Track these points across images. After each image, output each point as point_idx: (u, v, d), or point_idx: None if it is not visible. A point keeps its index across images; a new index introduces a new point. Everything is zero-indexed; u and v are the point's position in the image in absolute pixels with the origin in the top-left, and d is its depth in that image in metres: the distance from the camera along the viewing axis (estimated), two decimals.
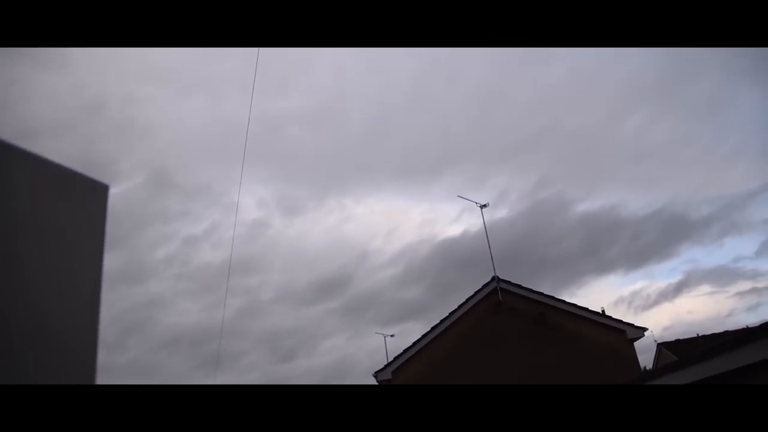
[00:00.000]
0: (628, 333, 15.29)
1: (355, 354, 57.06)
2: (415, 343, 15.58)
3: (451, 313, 15.74)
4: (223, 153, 46.92)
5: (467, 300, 15.87)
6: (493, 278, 15.86)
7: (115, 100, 43.12)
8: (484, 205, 17.00)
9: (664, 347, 38.18)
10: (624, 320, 15.51)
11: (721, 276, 62.14)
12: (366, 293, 57.28)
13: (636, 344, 15.50)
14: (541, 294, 15.79)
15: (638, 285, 74.73)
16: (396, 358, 15.56)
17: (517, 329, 15.29)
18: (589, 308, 15.76)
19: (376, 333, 40.80)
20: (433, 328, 15.66)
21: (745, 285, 62.62)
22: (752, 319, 67.01)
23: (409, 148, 56.82)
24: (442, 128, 56.79)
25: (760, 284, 60.48)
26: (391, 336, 28.29)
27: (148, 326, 49.70)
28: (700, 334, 37.61)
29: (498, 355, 14.80)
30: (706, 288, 68.64)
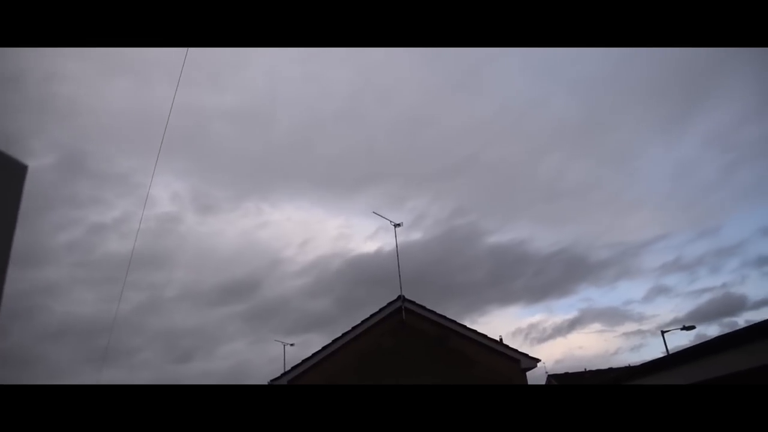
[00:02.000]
0: (522, 363, 15.79)
1: (253, 360, 55.89)
2: (314, 355, 15.41)
3: (353, 328, 15.71)
4: (144, 143, 45.06)
5: (371, 316, 15.89)
6: (399, 297, 15.98)
7: (36, 74, 40.57)
8: (399, 225, 17.18)
9: (553, 379, 39.78)
10: (519, 350, 16.01)
11: (611, 316, 65.79)
12: (273, 301, 56.37)
13: (528, 374, 16.02)
14: (444, 317, 16.05)
15: (537, 318, 77.67)
16: (293, 368, 15.33)
17: (417, 350, 15.44)
18: (488, 336, 16.17)
19: (276, 341, 40.12)
20: (334, 341, 15.56)
21: (631, 326, 66.45)
22: (635, 359, 71.10)
23: (333, 160, 56.82)
24: (369, 145, 57.24)
25: (645, 327, 64.58)
26: (291, 345, 27.96)
27: (37, 313, 46.62)
28: (587, 369, 39.50)
29: (396, 374, 14.88)
30: (597, 326, 72.34)
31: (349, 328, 15.73)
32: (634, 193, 63.49)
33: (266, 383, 15.17)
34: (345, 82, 55.11)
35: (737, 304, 55.71)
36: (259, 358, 56.54)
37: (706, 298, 63.88)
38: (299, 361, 15.48)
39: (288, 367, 15.88)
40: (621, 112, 58.57)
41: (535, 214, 63.16)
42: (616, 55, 55.85)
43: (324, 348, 15.48)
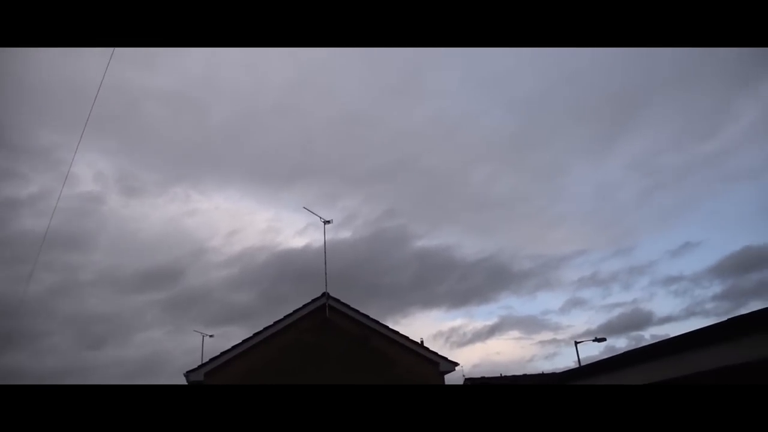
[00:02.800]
0: (441, 366, 16.01)
1: (170, 350, 54.12)
2: (234, 347, 15.07)
3: (276, 322, 15.47)
4: (70, 118, 42.75)
5: (294, 312, 15.70)
6: (323, 294, 15.88)
7: None
8: (328, 222, 17.07)
9: (470, 382, 40.63)
10: (439, 353, 16.23)
11: (529, 325, 67.93)
12: (195, 290, 54.66)
13: (446, 377, 16.27)
14: (367, 317, 16.06)
15: (458, 322, 79.23)
16: (211, 360, 14.94)
17: (338, 347, 15.38)
18: (410, 337, 16.30)
19: (195, 331, 38.93)
20: (255, 335, 15.27)
21: (547, 335, 68.81)
22: (548, 366, 73.87)
23: (267, 153, 55.86)
24: (304, 140, 56.61)
25: (559, 336, 67.16)
26: (211, 336, 27.30)
27: None
28: (503, 374, 40.52)
29: (315, 370, 14.77)
30: (515, 333, 74.45)
31: (272, 323, 15.49)
32: (559, 208, 65.83)
33: (182, 374, 14.74)
34: (285, 75, 54.40)
35: (644, 320, 58.75)
36: (176, 348, 54.88)
37: (617, 312, 67.02)
38: (218, 353, 15.11)
39: (206, 359, 15.47)
40: (552, 130, 60.56)
41: (463, 221, 64.41)
42: (553, 75, 57.75)
43: (244, 341, 15.16)
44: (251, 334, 15.32)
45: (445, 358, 16.13)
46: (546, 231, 66.18)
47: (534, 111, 59.60)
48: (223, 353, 14.99)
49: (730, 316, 4.06)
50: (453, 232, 67.77)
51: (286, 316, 15.61)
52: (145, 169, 55.60)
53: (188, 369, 14.72)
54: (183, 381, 14.74)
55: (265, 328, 15.38)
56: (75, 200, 47.50)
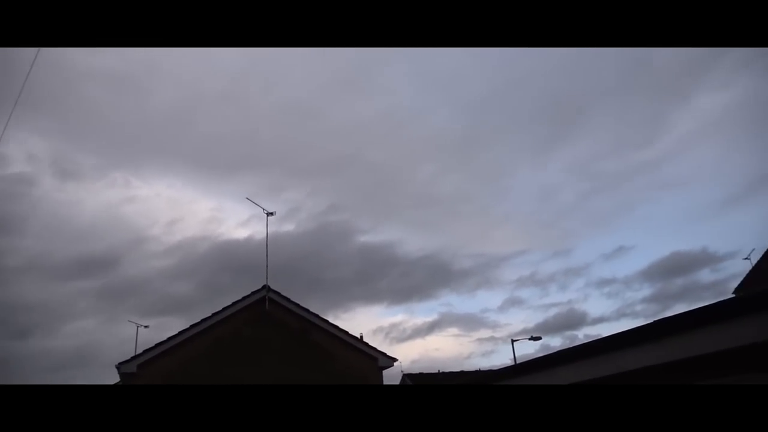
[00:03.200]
0: (380, 361, 16.12)
1: (103, 341, 52.38)
2: (169, 339, 14.75)
3: (214, 314, 15.22)
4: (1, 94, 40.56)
5: (233, 303, 15.49)
6: (264, 287, 15.71)
7: None
8: (271, 214, 16.90)
9: (408, 378, 41.04)
10: (378, 349, 16.33)
11: (468, 322, 69.25)
12: (131, 279, 52.88)
13: (385, 372, 16.39)
14: (308, 311, 16.00)
15: (398, 318, 79.95)
16: (145, 351, 14.56)
17: (277, 340, 15.26)
18: (349, 332, 16.34)
19: (130, 321, 37.71)
20: (192, 326, 14.98)
21: (485, 333, 70.32)
22: (485, 363, 75.44)
23: (211, 141, 54.52)
24: (250, 130, 55.64)
25: (497, 334, 68.78)
26: (146, 327, 26.53)
27: None
28: (440, 371, 41.16)
29: (253, 363, 14.60)
30: (454, 330, 75.74)
31: (210, 314, 15.22)
32: (502, 209, 67.26)
33: (114, 365, 14.30)
34: (232, 62, 53.29)
35: (579, 320, 60.87)
36: (109, 338, 53.10)
37: (553, 312, 69.27)
38: (153, 345, 14.74)
39: (140, 350, 15.07)
40: (497, 132, 61.77)
41: (407, 218, 64.88)
42: (500, 78, 58.82)
43: (181, 332, 14.86)
44: (188, 326, 15.02)
45: (384, 354, 16.24)
46: (488, 230, 67.52)
47: (480, 112, 60.63)
48: (158, 344, 14.65)
49: (656, 318, 4.26)
50: (396, 228, 68.29)
51: (224, 308, 15.38)
52: (82, 152, 53.53)
53: (120, 360, 14.30)
54: (114, 372, 14.32)
55: (203, 320, 15.11)
56: (3, 182, 45.25)
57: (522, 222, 67.03)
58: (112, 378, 15.83)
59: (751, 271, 28.36)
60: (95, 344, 51.11)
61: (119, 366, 14.13)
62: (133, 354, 15.01)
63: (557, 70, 55.85)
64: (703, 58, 54.02)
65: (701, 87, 55.64)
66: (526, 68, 57.00)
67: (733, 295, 21.65)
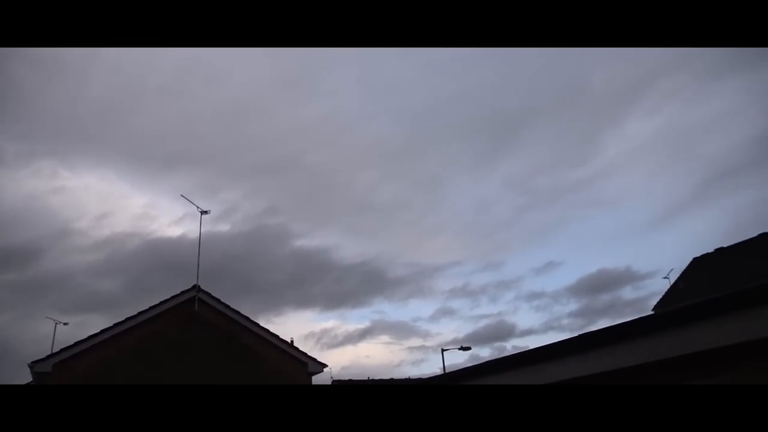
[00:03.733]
0: (310, 366, 15.98)
1: (16, 337, 49.56)
2: (90, 337, 14.09)
3: (140, 313, 14.68)
4: None
5: (161, 303, 14.99)
6: (194, 286, 15.30)
7: None
8: (206, 212, 16.50)
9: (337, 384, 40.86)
10: (309, 354, 16.19)
11: (399, 330, 69.87)
12: (53, 274, 50.49)
13: (314, 378, 16.26)
14: (238, 313, 15.69)
15: (330, 324, 79.68)
16: (63, 350, 13.87)
17: (206, 342, 14.89)
18: (280, 336, 16.12)
19: (47, 318, 35.83)
20: (115, 325, 14.39)
21: (416, 342, 71.02)
22: (415, 372, 76.07)
23: (148, 135, 52.95)
24: (189, 126, 54.37)
25: (428, 343, 69.57)
26: (65, 324, 25.26)
27: None
28: (370, 378, 41.20)
29: (178, 364, 14.19)
30: (386, 338, 76.17)
31: (135, 313, 14.67)
32: (438, 219, 68.33)
33: (26, 364, 13.55)
34: (175, 55, 51.93)
35: (508, 331, 62.43)
36: (24, 335, 50.28)
37: (483, 323, 70.72)
38: (71, 343, 14.06)
39: (57, 349, 14.35)
40: (438, 143, 62.81)
41: (344, 224, 65.00)
42: (444, 91, 59.80)
43: (103, 331, 14.23)
44: (112, 324, 14.43)
45: (314, 359, 16.12)
46: (424, 240, 68.29)
47: (423, 122, 61.48)
48: (77, 343, 13.97)
49: (581, 332, 4.42)
50: (333, 233, 68.20)
51: (151, 307, 14.86)
52: (5, 137, 50.76)
53: (35, 359, 13.56)
54: (27, 372, 13.59)
55: (128, 318, 14.55)
56: None
57: (457, 233, 68.26)
58: (25, 378, 15.01)
59: (669, 290, 29.85)
60: (8, 341, 48.33)
61: (32, 365, 13.39)
62: (49, 353, 14.27)
63: (500, 86, 57.43)
64: (636, 86, 56.72)
65: (633, 113, 58.42)
66: (471, 83, 58.32)
67: (652, 312, 22.69)
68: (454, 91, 59.88)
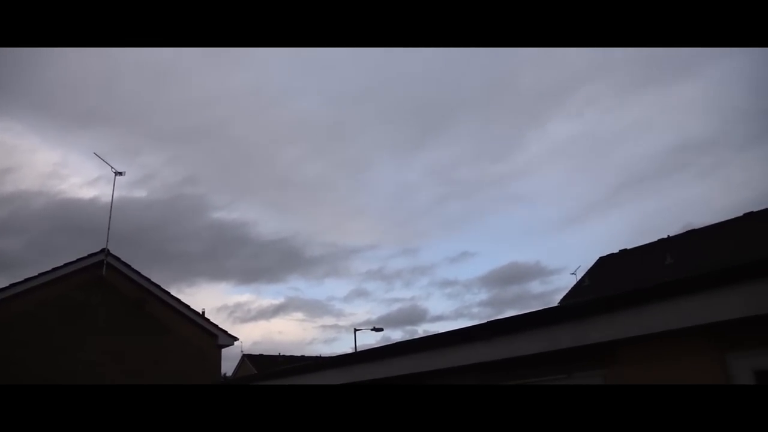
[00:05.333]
0: (220, 339, 15.75)
1: None
2: None
3: (41, 274, 13.93)
4: None
5: (65, 265, 14.28)
6: (103, 250, 14.69)
7: None
8: (120, 173, 15.78)
9: (248, 359, 40.50)
10: (220, 326, 15.94)
11: (313, 308, 69.96)
12: None
13: (224, 351, 16.04)
14: (148, 280, 15.22)
15: (244, 298, 78.58)
16: None
17: (112, 308, 14.36)
18: (191, 307, 15.78)
19: None
20: (12, 285, 13.59)
21: (330, 320, 71.48)
22: (326, 350, 76.46)
23: (63, 87, 49.87)
24: (109, 80, 51.63)
25: (341, 323, 70.10)
26: None
27: None
28: (281, 354, 41.10)
29: (80, 330, 13.63)
30: (299, 315, 76.07)
31: (36, 274, 13.92)
32: (359, 201, 68.63)
33: None
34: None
35: (420, 316, 63.81)
36: None
37: (396, 306, 71.88)
38: None
39: None
40: (364, 127, 62.81)
41: (264, 199, 64.15)
42: (373, 75, 59.72)
43: None
44: (8, 285, 13.63)
45: (225, 332, 15.90)
46: (343, 221, 68.41)
47: (351, 105, 61.25)
48: None
49: (489, 320, 4.61)
50: (252, 208, 67.17)
51: (55, 269, 14.13)
52: None
53: None
54: None
55: (27, 279, 13.78)
56: None
57: (377, 217, 68.83)
58: None
59: (575, 285, 31.37)
60: None
61: None
62: None
63: (429, 77, 57.88)
64: (560, 89, 58.76)
65: (556, 115, 60.55)
66: (400, 71, 58.45)
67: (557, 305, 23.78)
68: (384, 77, 60.17)
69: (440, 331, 5.10)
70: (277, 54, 57.80)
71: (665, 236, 29.08)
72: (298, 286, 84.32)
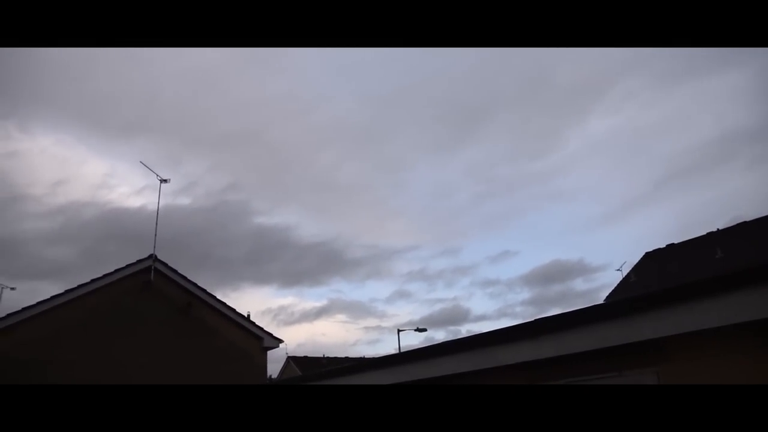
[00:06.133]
0: (266, 341, 15.95)
1: None
2: (39, 303, 13.73)
3: (93, 280, 14.36)
4: None
5: (116, 271, 14.69)
6: (150, 256, 15.05)
7: None
8: (165, 181, 16.11)
9: (292, 361, 40.96)
10: (265, 329, 16.15)
11: (356, 310, 70.28)
12: (3, 239, 48.71)
13: (270, 353, 16.25)
14: (195, 285, 15.52)
15: (288, 301, 79.53)
16: (8, 316, 13.47)
17: (160, 312, 14.70)
18: (236, 310, 16.04)
19: None
20: (67, 291, 14.05)
21: (372, 322, 71.67)
22: (369, 351, 76.75)
23: (110, 99, 51.14)
24: (151, 89, 52.94)
25: (384, 324, 70.19)
26: (12, 289, 24.52)
27: None
28: (325, 355, 41.41)
29: (132, 334, 14.00)
30: (342, 317, 76.53)
31: (88, 280, 14.36)
32: (398, 202, 68.62)
33: None
34: None
35: (462, 316, 63.42)
36: None
37: (438, 307, 71.60)
38: (19, 309, 13.70)
39: (2, 314, 13.95)
40: (401, 127, 62.78)
41: (305, 202, 64.79)
42: (409, 76, 59.68)
43: (53, 297, 13.87)
44: (63, 291, 14.10)
45: (270, 334, 16.09)
46: (383, 222, 68.53)
47: (386, 106, 61.34)
48: (25, 309, 13.60)
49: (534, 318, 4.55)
50: (293, 212, 67.89)
51: (105, 275, 14.54)
52: None
53: None
54: None
55: (80, 286, 14.21)
56: None
57: (416, 217, 68.67)
58: None
59: (621, 282, 30.71)
60: None
61: None
62: None
63: (465, 76, 57.50)
64: (598, 84, 57.66)
65: (595, 110, 59.42)
66: (436, 71, 58.24)
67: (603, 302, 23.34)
68: (418, 77, 60.05)
69: (484, 331, 5.07)
70: (311, 58, 58.43)
71: (714, 229, 28.25)
72: (340, 288, 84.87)
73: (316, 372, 8.05)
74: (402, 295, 73.55)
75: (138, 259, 15.06)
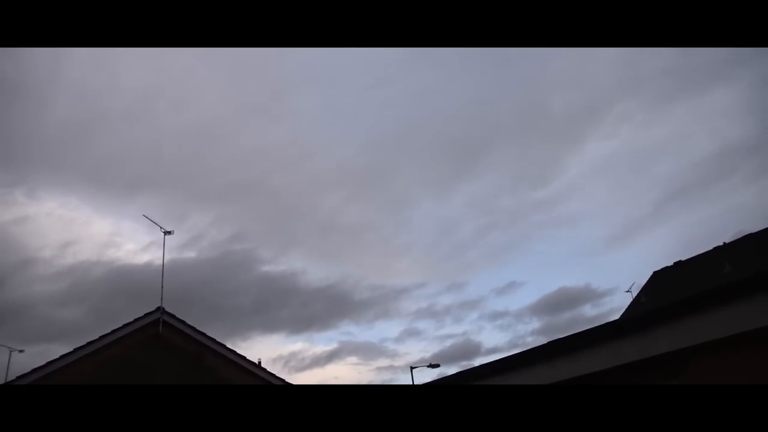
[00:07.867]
0: None
1: None
2: (48, 363, 13.63)
3: (102, 336, 14.27)
4: None
5: (124, 326, 14.60)
6: (158, 308, 14.98)
7: None
8: (169, 233, 16.20)
9: None
10: (277, 375, 15.97)
11: (367, 351, 69.57)
12: (12, 304, 48.40)
13: None
14: (204, 335, 15.40)
15: (298, 347, 78.94)
16: (18, 378, 13.37)
17: (171, 364, 14.55)
18: (247, 358, 15.87)
19: (0, 345, 34.37)
20: (76, 350, 13.96)
21: (384, 362, 70.76)
22: None
23: (112, 160, 51.68)
24: (154, 150, 53.53)
25: (396, 363, 69.51)
26: (21, 351, 24.31)
27: None
28: None
29: None
30: (353, 359, 75.64)
31: (97, 337, 14.26)
32: (402, 240, 68.72)
33: None
34: (138, 78, 51.22)
35: (474, 350, 62.71)
36: None
37: (449, 342, 70.92)
38: (28, 370, 13.58)
39: (12, 377, 13.83)
40: (402, 167, 63.31)
41: (310, 247, 64.84)
42: (406, 118, 60.51)
43: (63, 356, 13.77)
44: (72, 350, 14.00)
45: (282, 380, 15.90)
46: (389, 261, 68.43)
47: (385, 148, 62.00)
48: (34, 370, 13.49)
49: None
50: (299, 257, 67.95)
51: (114, 330, 14.46)
52: None
53: None
54: None
55: (89, 343, 14.12)
56: None
57: (421, 254, 68.62)
58: None
59: (632, 303, 30.43)
60: None
61: None
62: (2, 381, 13.76)
63: (460, 112, 58.22)
64: (593, 110, 58.33)
65: (592, 135, 59.94)
66: (430, 109, 59.21)
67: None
68: (416, 118, 60.83)
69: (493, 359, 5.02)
70: (309, 106, 59.16)
71: (720, 243, 28.10)
72: (350, 331, 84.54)
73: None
74: (411, 333, 73.05)
75: (146, 312, 14.99)
